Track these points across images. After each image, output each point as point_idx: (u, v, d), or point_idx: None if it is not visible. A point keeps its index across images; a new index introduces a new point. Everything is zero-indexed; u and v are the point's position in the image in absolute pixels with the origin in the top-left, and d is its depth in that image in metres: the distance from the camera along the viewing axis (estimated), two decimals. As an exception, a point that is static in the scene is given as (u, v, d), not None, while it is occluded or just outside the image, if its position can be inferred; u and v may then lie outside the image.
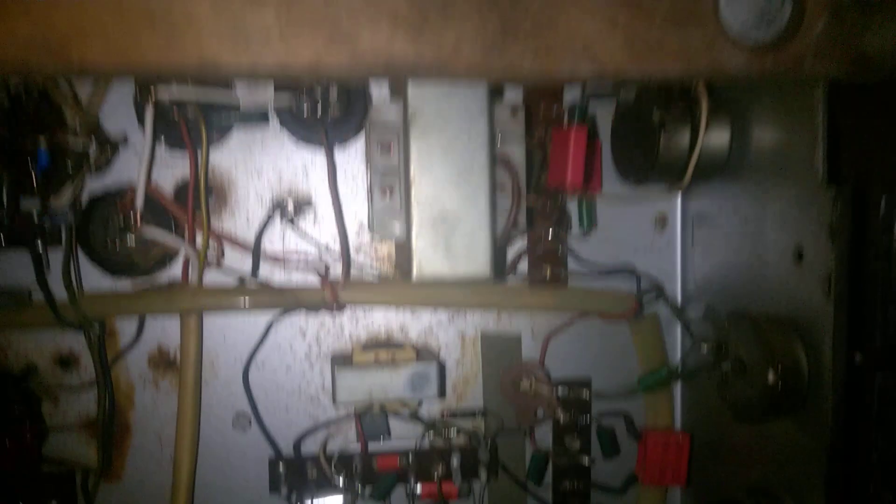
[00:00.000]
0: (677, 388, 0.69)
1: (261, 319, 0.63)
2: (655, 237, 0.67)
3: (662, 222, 0.67)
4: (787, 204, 0.52)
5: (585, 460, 0.67)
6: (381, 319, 0.66)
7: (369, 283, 0.63)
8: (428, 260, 0.54)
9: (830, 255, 0.47)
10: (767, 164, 0.54)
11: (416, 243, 0.54)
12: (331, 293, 0.59)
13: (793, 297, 0.51)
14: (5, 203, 0.53)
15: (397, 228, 0.55)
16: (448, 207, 0.53)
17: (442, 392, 0.64)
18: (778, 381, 0.49)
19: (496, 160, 0.54)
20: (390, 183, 0.55)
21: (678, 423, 0.68)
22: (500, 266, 0.57)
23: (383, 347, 0.62)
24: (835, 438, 0.47)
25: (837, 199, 0.46)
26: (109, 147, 0.57)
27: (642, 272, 0.66)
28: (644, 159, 0.58)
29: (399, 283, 0.63)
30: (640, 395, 0.67)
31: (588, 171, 0.57)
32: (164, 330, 0.63)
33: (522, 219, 0.57)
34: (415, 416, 0.64)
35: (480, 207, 0.53)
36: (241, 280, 0.61)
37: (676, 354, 0.68)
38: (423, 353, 0.63)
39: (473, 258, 0.54)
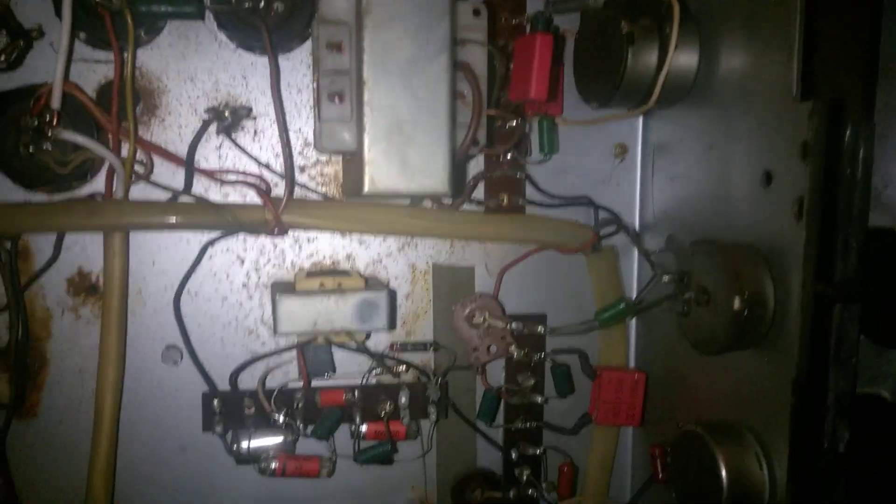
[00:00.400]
0: (631, 326, 0.67)
1: (194, 242, 0.58)
2: (615, 167, 0.65)
3: (622, 152, 0.65)
4: (756, 126, 0.49)
5: (539, 399, 0.64)
6: (326, 248, 0.61)
7: (315, 201, 0.58)
8: (381, 173, 0.50)
9: (804, 174, 0.44)
10: (736, 85, 0.51)
11: (369, 154, 0.49)
12: (273, 212, 0.54)
13: (760, 224, 0.49)
14: None
15: (347, 138, 0.51)
16: (404, 116, 0.49)
17: (392, 324, 0.60)
18: (744, 308, 0.47)
19: (457, 65, 0.50)
20: (340, 88, 0.50)
21: (632, 362, 0.67)
22: (458, 184, 0.53)
23: (329, 274, 0.58)
24: (801, 372, 0.45)
25: (813, 114, 0.44)
26: (22, 40, 0.51)
27: (600, 203, 0.63)
28: (609, 77, 0.55)
29: (348, 203, 0.58)
30: (594, 333, 0.64)
31: (551, 91, 0.54)
32: (85, 250, 0.57)
33: (482, 135, 0.53)
34: (362, 350, 0.60)
35: (439, 117, 0.49)
36: (173, 196, 0.55)
37: (632, 289, 0.66)
38: (371, 282, 0.59)
39: (430, 172, 0.50)
